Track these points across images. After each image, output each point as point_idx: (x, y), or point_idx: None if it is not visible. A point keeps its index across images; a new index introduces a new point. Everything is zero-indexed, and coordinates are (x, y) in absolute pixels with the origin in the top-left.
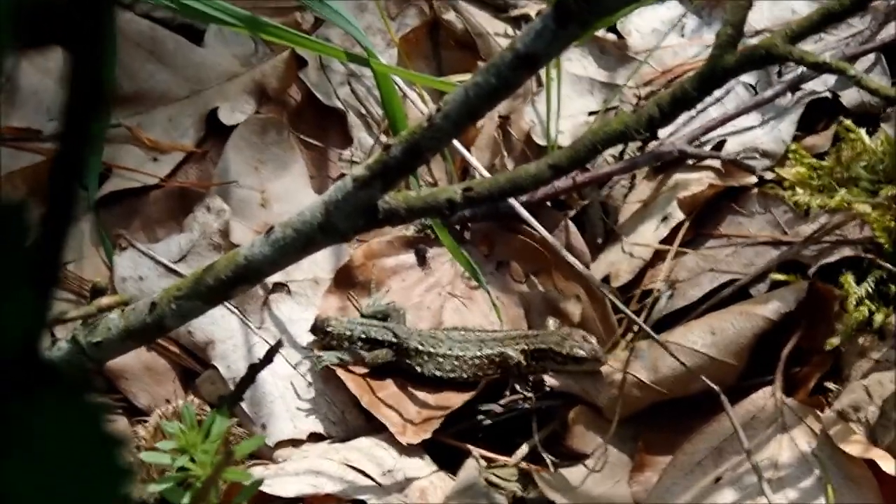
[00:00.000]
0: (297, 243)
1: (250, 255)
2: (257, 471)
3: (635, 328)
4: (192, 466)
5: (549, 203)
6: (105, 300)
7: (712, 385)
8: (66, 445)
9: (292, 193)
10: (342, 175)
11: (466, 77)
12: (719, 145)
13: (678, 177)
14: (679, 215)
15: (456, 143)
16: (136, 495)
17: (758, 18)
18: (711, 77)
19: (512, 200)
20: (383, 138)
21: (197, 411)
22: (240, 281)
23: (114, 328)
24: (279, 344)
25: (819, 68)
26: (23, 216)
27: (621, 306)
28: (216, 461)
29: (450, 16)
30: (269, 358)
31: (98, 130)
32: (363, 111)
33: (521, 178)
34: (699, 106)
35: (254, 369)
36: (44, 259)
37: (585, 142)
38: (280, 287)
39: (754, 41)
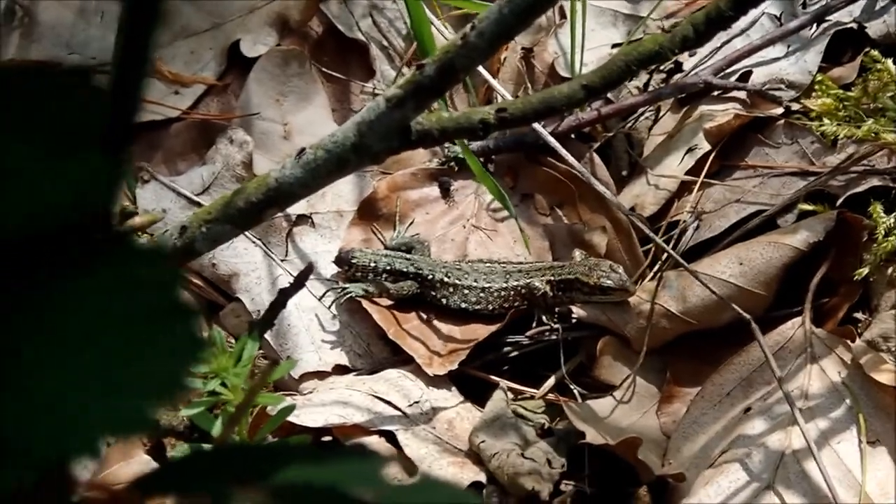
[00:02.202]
0: (329, 164)
1: (281, 177)
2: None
3: (662, 259)
4: (223, 391)
5: (573, 136)
6: (137, 220)
7: (742, 313)
8: (139, 312)
9: (314, 125)
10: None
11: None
12: (745, 76)
13: (703, 108)
14: (705, 146)
15: (484, 71)
16: (166, 421)
17: None
18: None
19: (540, 129)
20: (406, 70)
21: None
22: (270, 204)
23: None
24: (310, 268)
25: None
26: (91, 80)
27: (650, 233)
28: (248, 386)
29: None
30: (300, 282)
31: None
32: (385, 43)
33: (554, 98)
34: (724, 37)
35: (285, 294)
36: (114, 122)
37: (618, 62)
38: (304, 219)
39: None
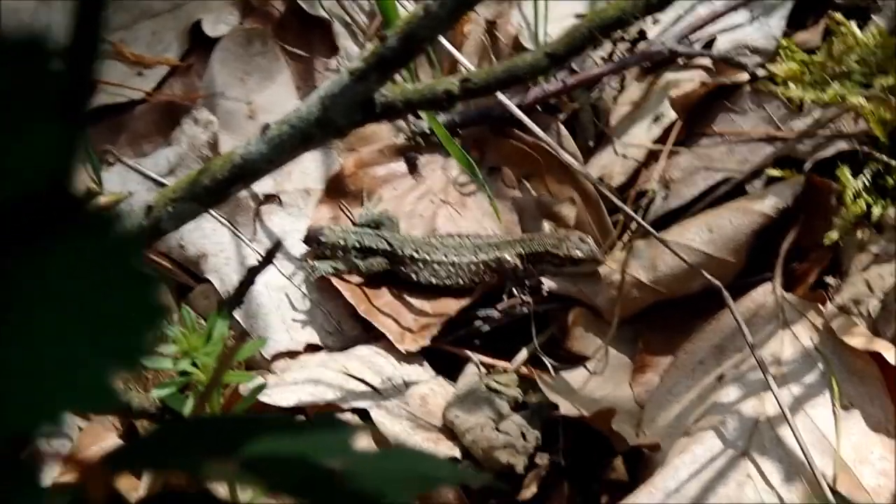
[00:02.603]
0: (293, 140)
1: (246, 153)
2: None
3: (632, 228)
4: (194, 371)
5: (539, 107)
6: (102, 199)
7: (713, 280)
8: (98, 281)
9: (279, 104)
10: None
11: None
12: (709, 43)
13: (669, 76)
14: (671, 115)
15: (447, 44)
16: (137, 403)
17: None
18: None
19: (506, 101)
20: (369, 46)
21: None
22: (236, 180)
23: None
24: (278, 245)
25: None
26: (46, 47)
27: (618, 202)
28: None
29: None
30: (269, 259)
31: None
32: (348, 20)
33: (518, 67)
34: (687, 4)
35: (253, 272)
36: (71, 90)
37: (581, 29)
38: (271, 198)
39: None
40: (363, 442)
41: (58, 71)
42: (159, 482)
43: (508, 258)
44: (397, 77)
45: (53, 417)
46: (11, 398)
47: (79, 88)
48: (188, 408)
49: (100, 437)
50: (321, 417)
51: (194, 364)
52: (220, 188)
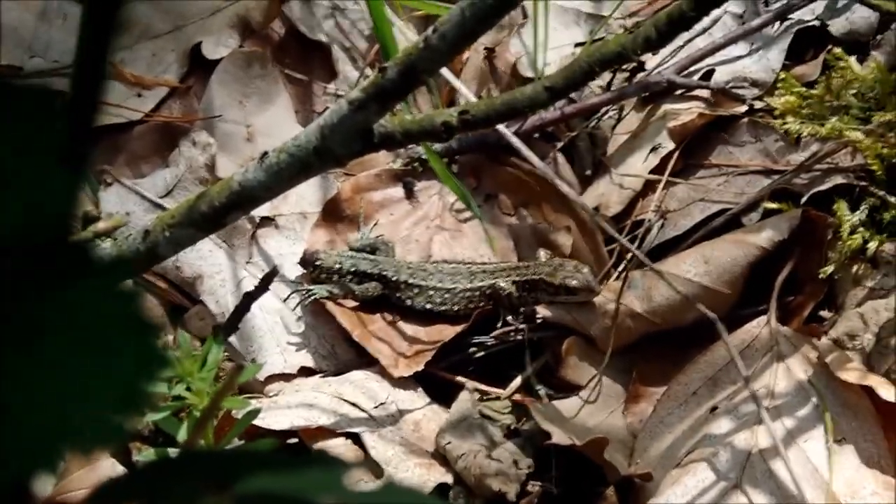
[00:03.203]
0: (292, 168)
1: (244, 180)
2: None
3: (627, 258)
4: (188, 395)
5: (537, 135)
6: (101, 225)
7: (707, 312)
8: (100, 331)
9: (277, 127)
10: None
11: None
12: (708, 75)
13: (667, 107)
14: (669, 145)
15: (446, 72)
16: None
17: None
18: None
19: (503, 129)
20: (368, 71)
21: None
22: (234, 207)
23: (106, 257)
24: (274, 271)
25: None
26: (51, 99)
27: (614, 233)
28: (213, 390)
29: None
30: (265, 285)
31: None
32: (347, 44)
33: (517, 100)
34: (686, 36)
35: (249, 297)
36: (74, 141)
37: (581, 63)
38: (267, 221)
39: None
40: (358, 472)
41: (61, 120)
42: None
43: (504, 285)
44: None
45: (51, 463)
46: (14, 444)
47: (81, 137)
48: (182, 432)
49: (91, 458)
50: (314, 452)
51: (188, 389)
52: (217, 215)
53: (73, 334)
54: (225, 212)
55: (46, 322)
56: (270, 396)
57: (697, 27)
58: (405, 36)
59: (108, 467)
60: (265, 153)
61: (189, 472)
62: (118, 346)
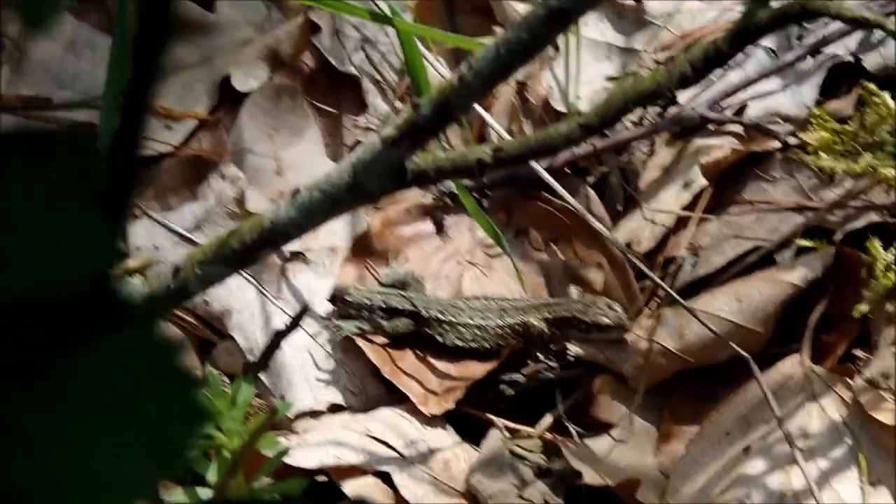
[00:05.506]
0: (324, 205)
1: (276, 218)
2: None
3: (659, 295)
4: (218, 435)
5: (567, 170)
6: (132, 262)
7: (740, 351)
8: (139, 385)
9: (307, 160)
10: (357, 142)
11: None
12: (741, 110)
13: (699, 142)
14: (701, 181)
15: (477, 106)
16: None
17: None
18: (745, 33)
19: (535, 165)
20: (398, 104)
21: None
22: (265, 244)
23: (137, 295)
24: (305, 309)
25: (856, 23)
26: (91, 146)
27: (646, 270)
28: (245, 430)
29: None
30: (295, 323)
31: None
32: (378, 77)
33: (551, 137)
34: (719, 71)
35: (279, 336)
36: (114, 190)
37: (616, 100)
38: (297, 256)
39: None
40: None
41: (100, 169)
42: None
43: (535, 322)
44: None
45: None
46: (57, 502)
47: (121, 188)
48: (211, 472)
49: None
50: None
51: (218, 428)
52: (248, 251)
53: (113, 387)
54: (256, 249)
55: (88, 374)
56: (299, 434)
57: (731, 61)
58: (436, 70)
59: None
60: (297, 190)
61: None
62: (159, 398)
